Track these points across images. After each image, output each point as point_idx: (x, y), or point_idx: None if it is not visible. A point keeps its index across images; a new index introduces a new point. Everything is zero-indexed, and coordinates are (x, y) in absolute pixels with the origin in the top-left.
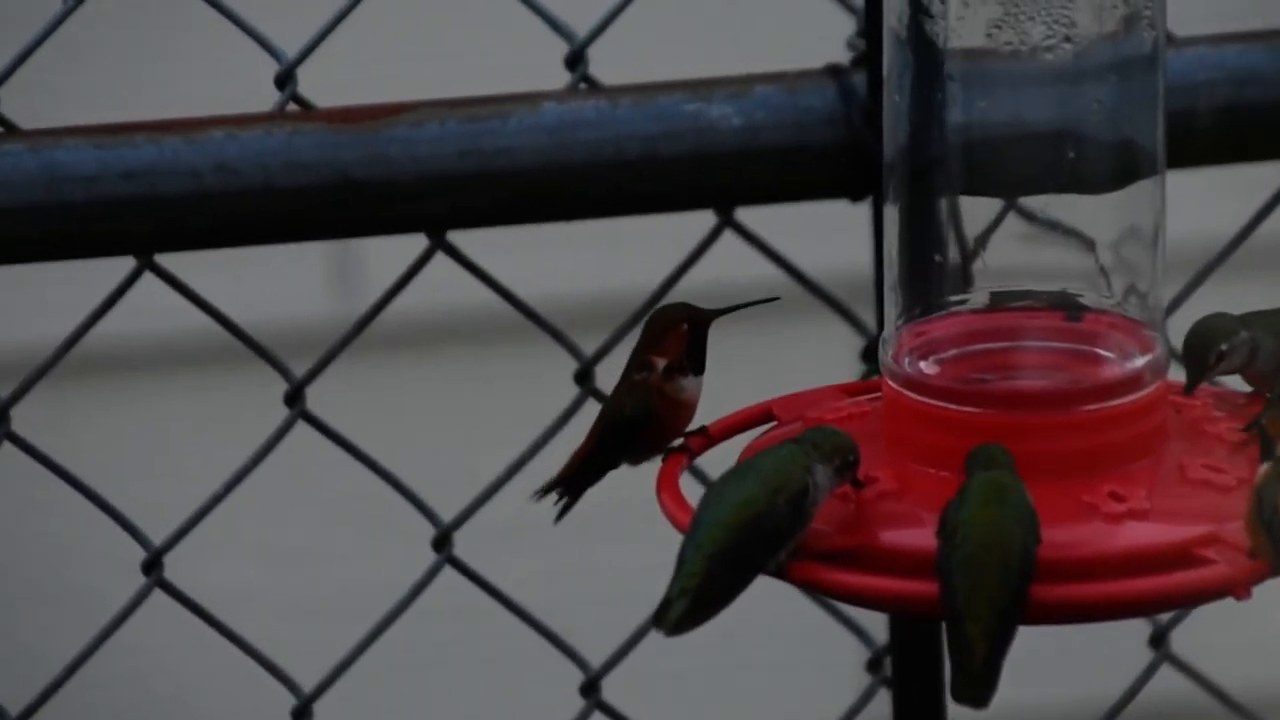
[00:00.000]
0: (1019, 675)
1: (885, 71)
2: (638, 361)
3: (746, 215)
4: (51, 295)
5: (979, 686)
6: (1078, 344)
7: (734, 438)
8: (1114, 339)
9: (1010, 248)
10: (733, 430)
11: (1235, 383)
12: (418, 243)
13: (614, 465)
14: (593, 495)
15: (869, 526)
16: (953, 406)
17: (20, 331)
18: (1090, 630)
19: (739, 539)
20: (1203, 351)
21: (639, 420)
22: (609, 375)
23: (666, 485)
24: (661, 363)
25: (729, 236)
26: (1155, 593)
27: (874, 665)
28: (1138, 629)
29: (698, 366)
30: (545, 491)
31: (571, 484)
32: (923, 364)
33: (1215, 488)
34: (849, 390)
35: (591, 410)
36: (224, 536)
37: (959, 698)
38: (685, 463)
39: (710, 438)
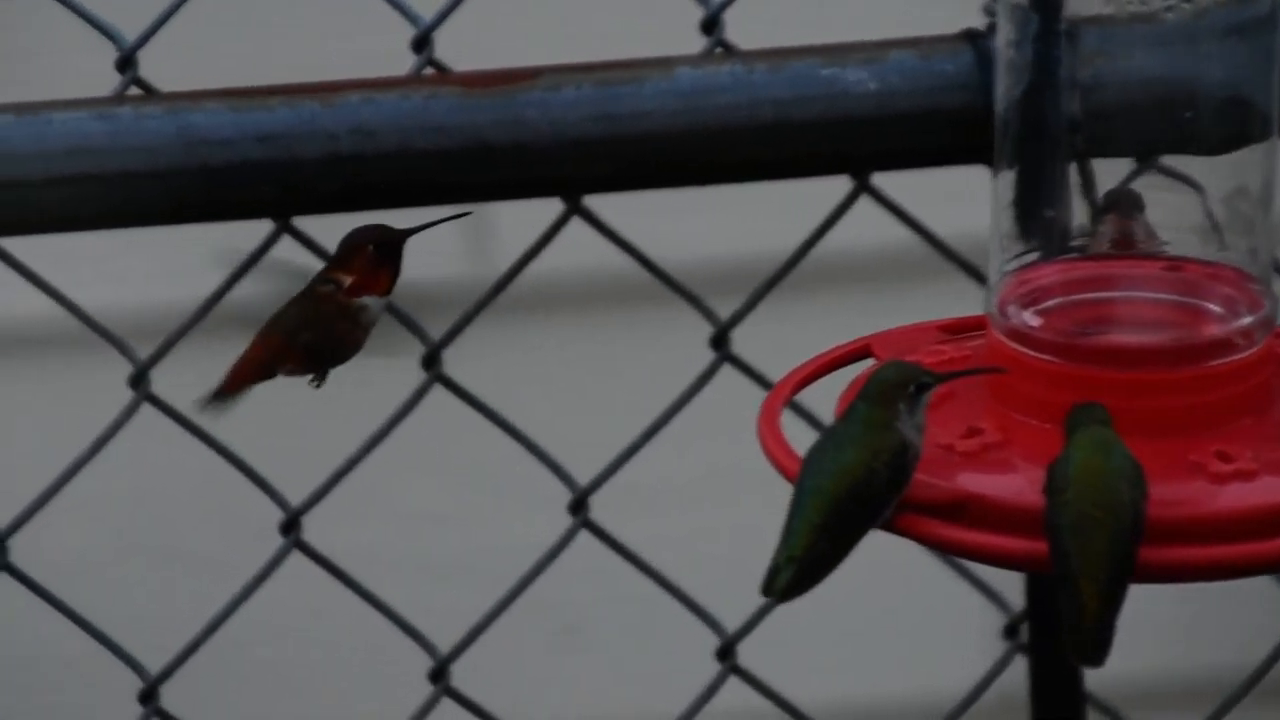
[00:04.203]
0: (1163, 642)
1: (1001, 27)
2: (322, 277)
3: (881, 180)
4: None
5: (1093, 646)
6: (1185, 297)
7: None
8: (1222, 293)
9: (1120, 202)
10: (833, 366)
11: None
12: (549, 206)
13: (272, 375)
14: (728, 456)
15: (975, 479)
16: (1056, 360)
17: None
18: (1230, 597)
19: (842, 507)
20: None
21: (318, 331)
22: (744, 339)
23: (769, 430)
24: (347, 280)
25: (861, 202)
26: (1265, 556)
27: (1010, 632)
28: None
29: (386, 288)
30: (210, 402)
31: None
32: (1026, 314)
33: None
34: (948, 327)
35: (727, 375)
36: (359, 499)
37: (1072, 656)
38: (784, 400)
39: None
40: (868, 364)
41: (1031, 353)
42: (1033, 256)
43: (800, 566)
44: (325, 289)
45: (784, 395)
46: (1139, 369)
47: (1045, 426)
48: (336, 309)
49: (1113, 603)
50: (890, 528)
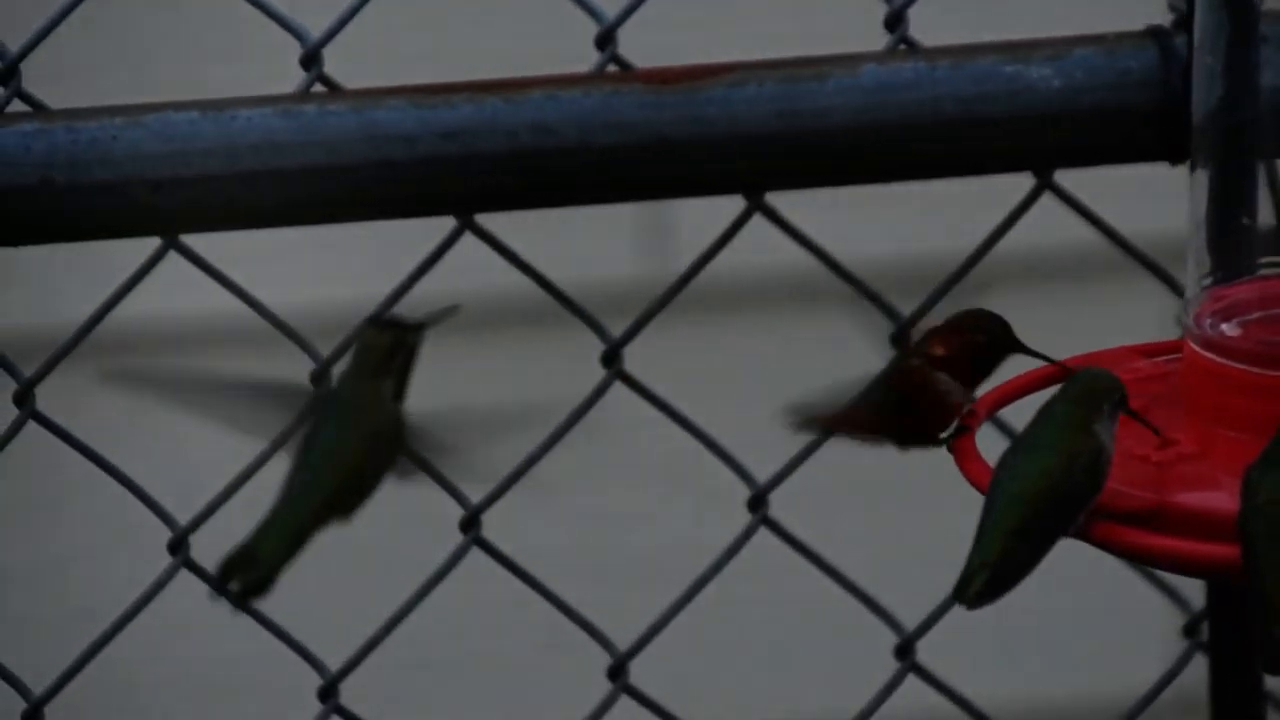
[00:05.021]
0: None
1: (1198, 33)
2: (920, 345)
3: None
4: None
5: (1278, 654)
6: None
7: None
8: None
9: None
10: (1029, 388)
11: None
12: (729, 204)
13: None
14: (902, 457)
15: (1169, 488)
16: (1255, 370)
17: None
18: None
19: (1036, 512)
20: None
21: (898, 404)
22: None
23: (962, 446)
24: (938, 352)
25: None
26: None
27: (1190, 630)
28: None
29: (970, 379)
30: (806, 424)
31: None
32: (1225, 326)
33: None
34: (1146, 351)
35: None
36: (539, 498)
37: (1259, 664)
38: (979, 422)
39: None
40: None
41: (1230, 363)
42: (1230, 269)
43: (994, 572)
44: (916, 362)
45: (979, 417)
46: None
47: (1243, 437)
48: (921, 383)
49: None
50: (1083, 535)
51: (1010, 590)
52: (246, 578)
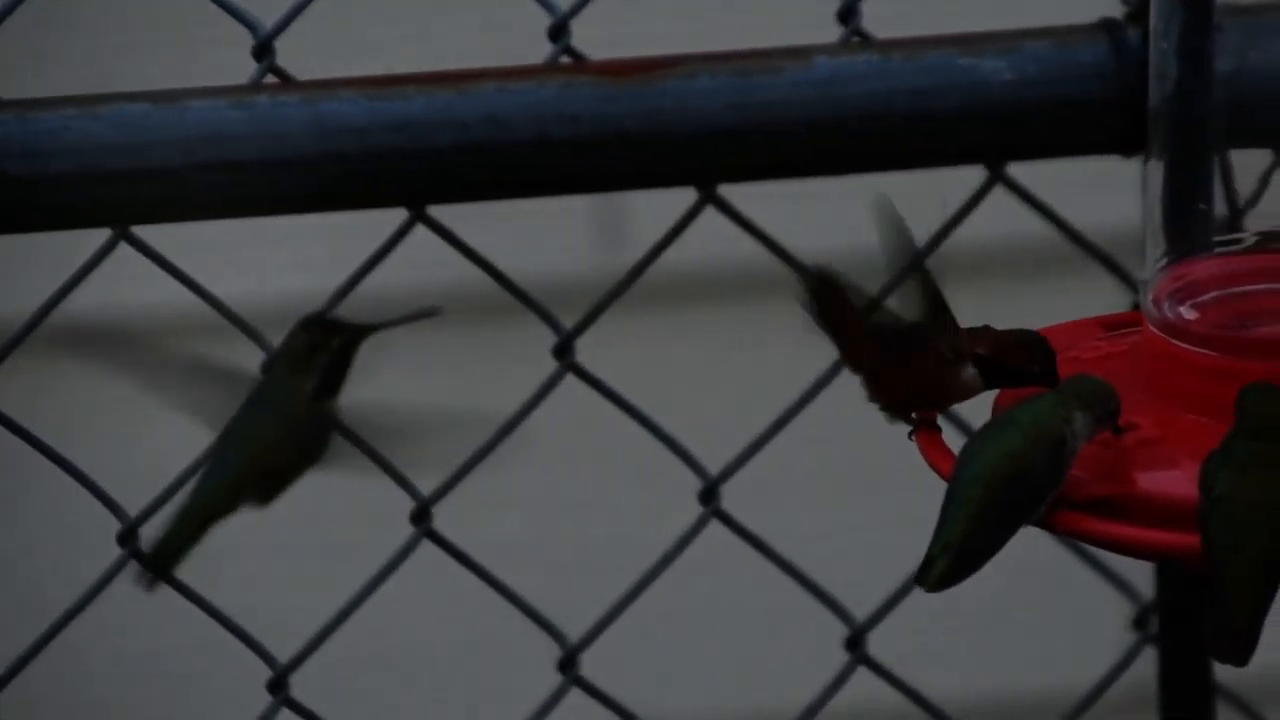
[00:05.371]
0: None
1: (1153, 20)
2: (964, 334)
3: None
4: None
5: (1238, 646)
6: None
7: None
8: None
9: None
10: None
11: None
12: (681, 196)
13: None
14: (855, 450)
15: (1130, 474)
16: (1213, 353)
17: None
18: None
19: (999, 496)
20: None
21: (905, 367)
22: None
23: (924, 433)
24: (979, 352)
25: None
26: None
27: (1139, 622)
28: None
29: (995, 382)
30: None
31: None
32: (1183, 308)
33: None
34: (1107, 323)
35: None
36: (490, 489)
37: (1215, 654)
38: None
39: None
40: None
41: (1188, 346)
42: (1186, 250)
43: (955, 556)
44: (948, 348)
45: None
46: None
47: (1202, 420)
48: (944, 370)
49: (1262, 605)
50: (1045, 524)
51: (971, 574)
52: (152, 562)
